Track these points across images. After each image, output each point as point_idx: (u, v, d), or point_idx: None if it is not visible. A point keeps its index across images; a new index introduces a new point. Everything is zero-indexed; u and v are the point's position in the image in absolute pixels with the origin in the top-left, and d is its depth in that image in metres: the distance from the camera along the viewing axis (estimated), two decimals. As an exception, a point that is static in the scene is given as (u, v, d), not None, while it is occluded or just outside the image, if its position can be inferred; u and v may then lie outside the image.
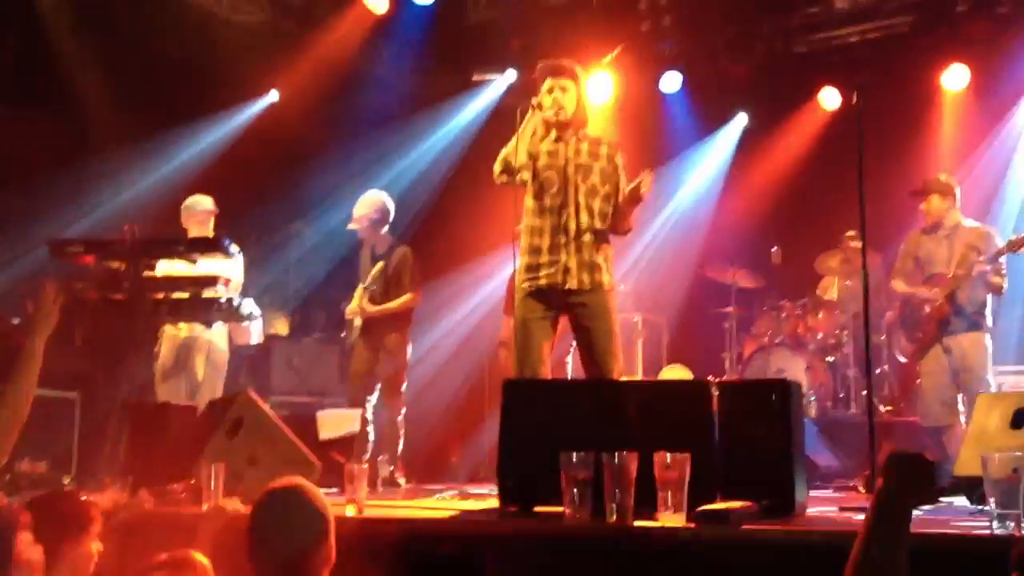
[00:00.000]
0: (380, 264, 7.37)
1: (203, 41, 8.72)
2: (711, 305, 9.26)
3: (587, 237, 5.24)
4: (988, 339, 6.87)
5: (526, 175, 5.33)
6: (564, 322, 5.37)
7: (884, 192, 7.31)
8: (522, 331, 5.24)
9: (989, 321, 6.88)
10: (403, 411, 7.37)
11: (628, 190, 5.24)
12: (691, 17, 9.22)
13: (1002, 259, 6.68)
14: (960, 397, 6.77)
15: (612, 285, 5.33)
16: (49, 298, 3.74)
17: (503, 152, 5.35)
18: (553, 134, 5.40)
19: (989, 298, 6.87)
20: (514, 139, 5.28)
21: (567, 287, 5.19)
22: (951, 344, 6.85)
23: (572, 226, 5.23)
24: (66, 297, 3.85)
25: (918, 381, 7.19)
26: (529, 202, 5.38)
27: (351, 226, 7.56)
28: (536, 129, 5.37)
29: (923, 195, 7.11)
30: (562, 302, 5.26)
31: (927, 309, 6.96)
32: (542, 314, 5.25)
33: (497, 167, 5.36)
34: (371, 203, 7.50)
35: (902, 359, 7.73)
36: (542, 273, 5.24)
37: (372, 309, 7.30)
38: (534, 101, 5.33)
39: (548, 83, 5.39)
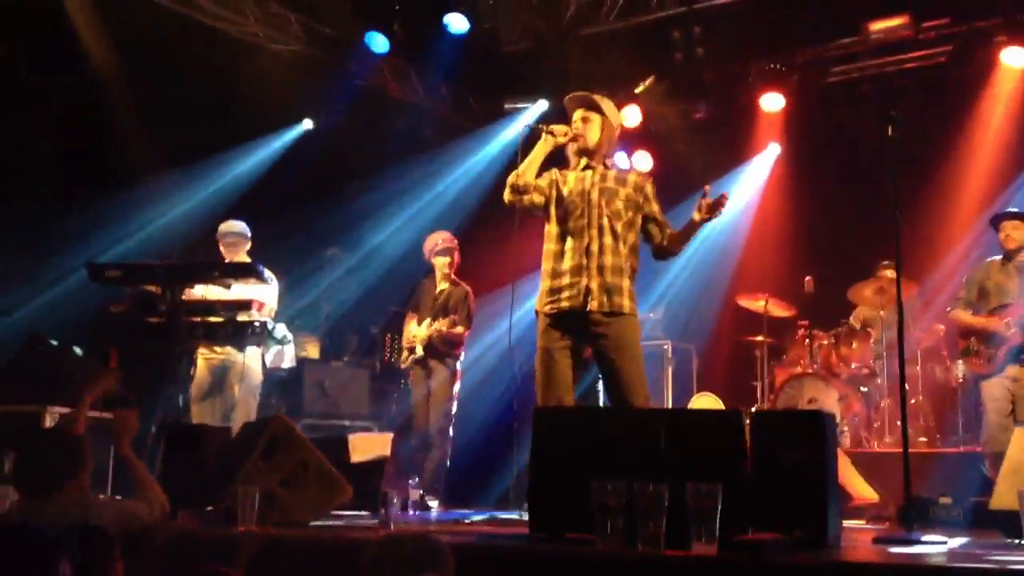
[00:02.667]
0: (443, 295, 7.86)
1: (239, 69, 8.84)
2: (742, 334, 9.22)
3: (609, 259, 5.19)
4: None
5: (537, 198, 5.33)
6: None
7: (919, 222, 7.29)
8: (545, 359, 5.21)
9: None
10: (449, 435, 7.67)
11: (707, 203, 5.18)
12: (724, 47, 9.24)
13: None
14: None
15: (634, 311, 5.26)
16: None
17: (511, 176, 5.35)
18: (582, 163, 5.42)
19: None
20: (524, 161, 5.30)
21: (588, 309, 5.15)
22: (1018, 374, 6.81)
23: (595, 248, 5.20)
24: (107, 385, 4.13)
25: (981, 408, 7.15)
26: (551, 228, 5.38)
27: (435, 260, 7.94)
28: (560, 157, 5.41)
29: (1009, 220, 7.04)
30: (584, 329, 5.21)
31: (997, 338, 6.88)
32: (565, 343, 5.22)
33: (507, 188, 5.35)
34: (444, 238, 7.99)
35: (958, 381, 7.72)
36: (564, 296, 5.21)
37: (437, 328, 7.66)
38: (543, 126, 5.35)
39: (578, 113, 5.44)
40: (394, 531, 3.26)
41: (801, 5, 8.57)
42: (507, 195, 5.35)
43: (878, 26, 8.69)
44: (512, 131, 9.96)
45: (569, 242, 5.28)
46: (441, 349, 7.73)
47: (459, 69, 9.89)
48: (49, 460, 3.75)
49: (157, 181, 8.43)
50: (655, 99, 9.81)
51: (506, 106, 9.97)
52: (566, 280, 5.23)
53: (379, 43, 9.20)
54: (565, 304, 5.20)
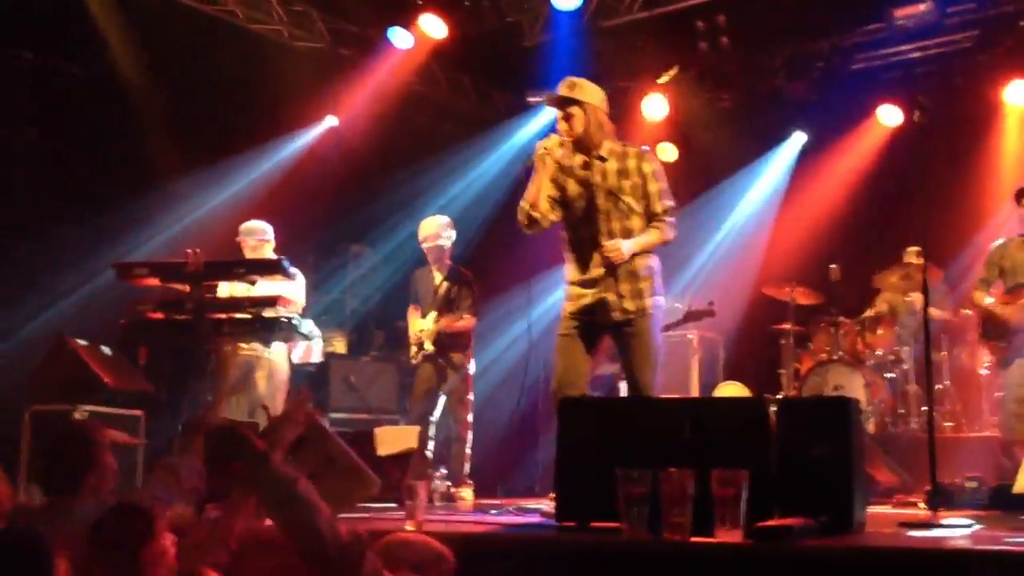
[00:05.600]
0: (444, 286, 7.65)
1: (263, 67, 8.89)
2: (768, 322, 9.20)
3: (623, 266, 5.15)
4: None
5: (554, 216, 5.26)
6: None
7: (944, 209, 7.25)
8: (561, 349, 5.22)
9: None
10: (470, 427, 7.57)
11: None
12: (748, 36, 9.20)
13: None
14: None
15: (653, 305, 5.20)
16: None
17: (522, 203, 5.24)
18: (577, 160, 5.29)
19: None
20: (531, 188, 5.20)
21: (606, 321, 5.17)
22: None
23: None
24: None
25: (998, 394, 7.06)
26: (565, 233, 5.34)
27: (424, 247, 7.76)
28: (561, 162, 5.28)
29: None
30: (603, 331, 5.25)
31: (1014, 323, 6.77)
32: (581, 334, 5.22)
33: (521, 219, 5.26)
34: (440, 226, 7.76)
35: (980, 371, 7.65)
36: (583, 304, 5.20)
37: (443, 324, 7.54)
38: (538, 145, 5.22)
39: (558, 112, 5.30)
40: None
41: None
42: (523, 225, 5.27)
43: (903, 12, 8.62)
44: (536, 124, 9.96)
45: (582, 250, 5.25)
46: (451, 343, 7.64)
47: (483, 64, 9.91)
48: (61, 460, 3.75)
49: (183, 181, 8.48)
50: (681, 89, 9.79)
51: (528, 99, 9.96)
52: (583, 291, 5.21)
53: (402, 39, 9.20)
54: (585, 316, 5.20)
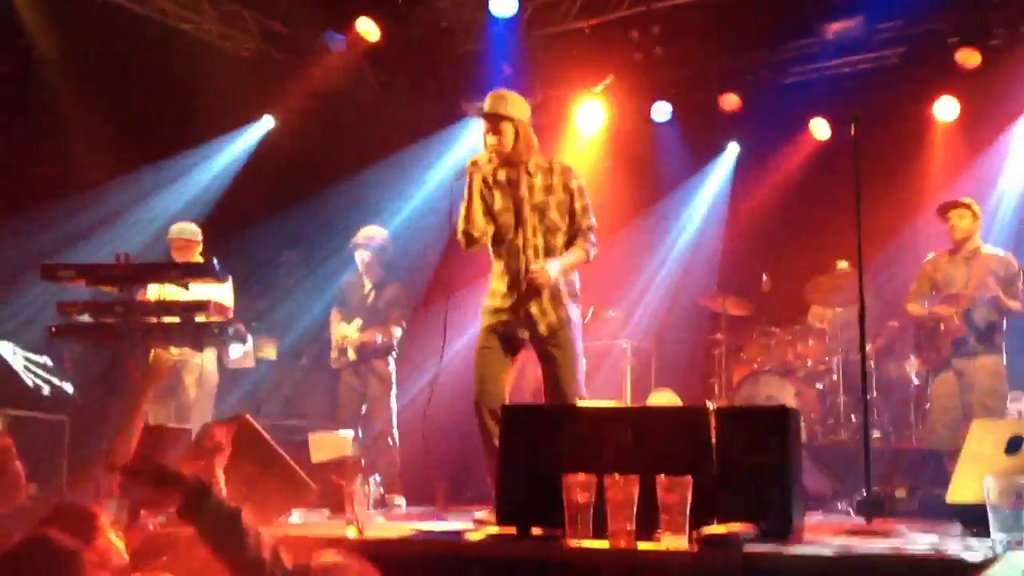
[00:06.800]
0: (372, 294, 7.77)
1: (191, 70, 8.70)
2: (701, 332, 9.29)
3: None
4: (1003, 363, 6.84)
5: (491, 231, 5.27)
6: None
7: (873, 221, 7.36)
8: (480, 359, 5.20)
9: (1004, 345, 6.87)
10: (395, 432, 7.62)
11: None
12: (682, 48, 9.28)
13: (1020, 284, 6.72)
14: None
15: (573, 315, 5.22)
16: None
17: (459, 224, 5.23)
18: (503, 174, 5.28)
19: (1004, 322, 6.87)
20: (463, 207, 5.20)
21: (527, 335, 5.19)
22: (964, 367, 6.83)
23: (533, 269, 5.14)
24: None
25: (927, 405, 7.18)
26: (490, 246, 5.33)
27: (357, 254, 7.81)
28: (487, 177, 5.26)
29: (954, 210, 7.06)
30: (523, 343, 5.26)
31: (941, 328, 6.93)
32: (501, 346, 5.22)
33: (462, 241, 5.26)
34: (374, 235, 7.87)
35: (915, 381, 7.79)
36: (503, 318, 5.21)
37: (367, 337, 7.65)
38: (468, 162, 5.21)
39: (486, 126, 5.26)
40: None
41: (758, 6, 8.62)
42: (464, 245, 5.28)
43: (834, 27, 8.77)
44: (473, 134, 9.88)
45: (505, 262, 5.25)
46: (373, 351, 7.70)
47: (417, 70, 9.85)
48: None
49: (108, 183, 8.29)
50: (614, 99, 9.83)
51: (464, 107, 9.93)
52: (506, 303, 5.22)
53: (338, 42, 9.11)
54: (504, 328, 5.22)
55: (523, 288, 5.16)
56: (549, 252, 5.20)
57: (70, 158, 8.09)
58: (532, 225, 5.21)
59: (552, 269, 5.12)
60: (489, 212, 5.26)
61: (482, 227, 5.23)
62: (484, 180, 5.26)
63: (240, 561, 2.84)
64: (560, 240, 5.25)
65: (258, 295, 9.15)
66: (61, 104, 8.09)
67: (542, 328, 5.16)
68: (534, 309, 5.16)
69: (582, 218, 5.28)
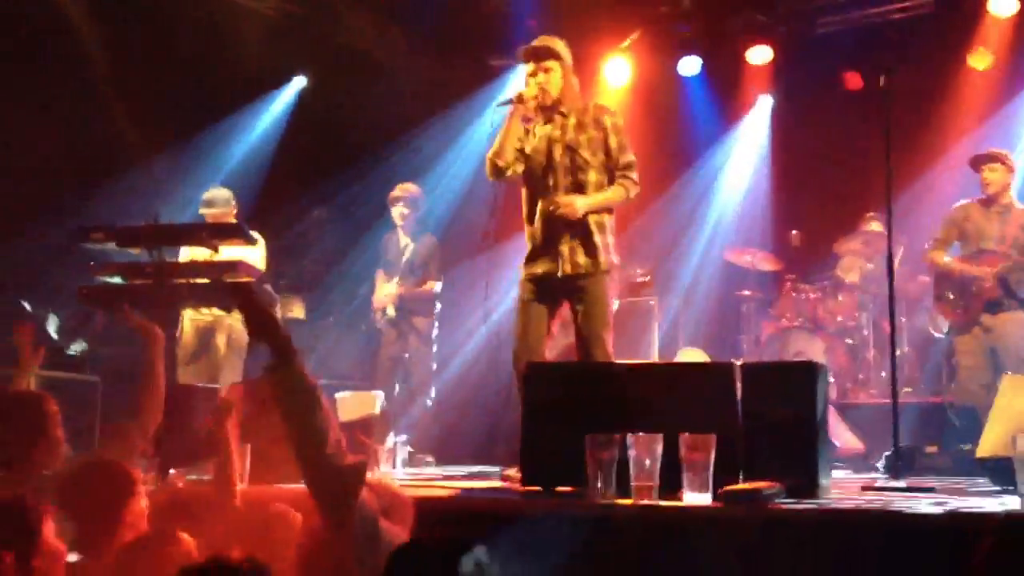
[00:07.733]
0: (409, 250, 7.81)
1: (213, 30, 8.66)
2: (729, 288, 9.24)
3: (577, 220, 5.16)
4: None
5: (519, 167, 5.30)
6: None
7: (905, 175, 7.26)
8: (520, 314, 5.24)
9: None
10: (433, 392, 7.70)
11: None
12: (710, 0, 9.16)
13: None
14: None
15: (606, 265, 5.21)
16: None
17: (488, 153, 5.29)
18: (541, 119, 5.32)
19: None
20: (499, 137, 5.23)
21: (561, 274, 5.17)
22: (993, 323, 6.67)
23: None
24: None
25: (954, 359, 7.10)
26: (524, 190, 5.36)
27: (394, 209, 7.88)
28: (527, 116, 5.31)
29: (987, 164, 6.88)
30: (560, 288, 5.23)
31: (973, 288, 6.75)
32: (539, 298, 5.23)
33: (488, 168, 5.31)
34: (409, 188, 7.93)
35: (937, 335, 7.69)
36: (538, 261, 5.23)
37: (405, 289, 7.70)
38: (513, 96, 5.27)
39: (531, 67, 5.29)
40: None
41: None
42: (489, 174, 5.32)
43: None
44: (499, 89, 9.82)
45: (539, 204, 5.25)
46: (413, 308, 7.74)
47: (443, 27, 9.77)
48: (8, 432, 3.63)
49: (149, 156, 8.32)
50: (640, 54, 9.72)
51: (492, 63, 9.86)
52: (540, 245, 5.23)
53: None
54: (539, 270, 5.23)
55: (552, 230, 5.17)
56: (578, 189, 5.19)
57: (103, 128, 8.08)
58: (564, 164, 5.22)
59: (580, 203, 5.11)
60: (522, 151, 5.28)
61: (509, 160, 5.25)
62: (524, 117, 5.29)
63: (308, 431, 2.84)
64: (592, 176, 5.21)
65: (288, 254, 9.17)
66: (92, 71, 8.07)
67: (568, 267, 5.15)
68: (566, 247, 5.15)
69: (619, 155, 5.25)
